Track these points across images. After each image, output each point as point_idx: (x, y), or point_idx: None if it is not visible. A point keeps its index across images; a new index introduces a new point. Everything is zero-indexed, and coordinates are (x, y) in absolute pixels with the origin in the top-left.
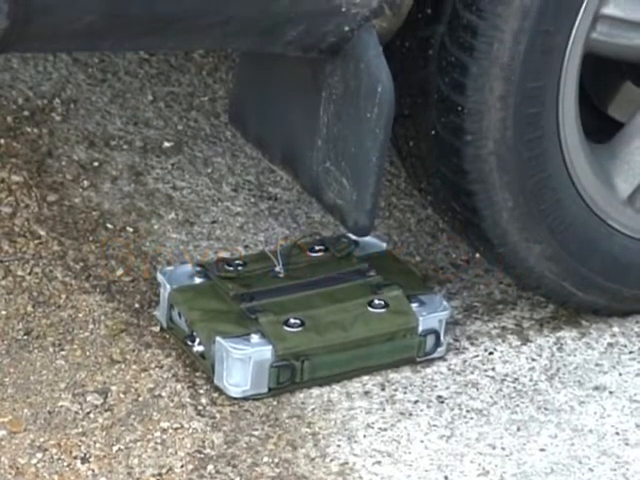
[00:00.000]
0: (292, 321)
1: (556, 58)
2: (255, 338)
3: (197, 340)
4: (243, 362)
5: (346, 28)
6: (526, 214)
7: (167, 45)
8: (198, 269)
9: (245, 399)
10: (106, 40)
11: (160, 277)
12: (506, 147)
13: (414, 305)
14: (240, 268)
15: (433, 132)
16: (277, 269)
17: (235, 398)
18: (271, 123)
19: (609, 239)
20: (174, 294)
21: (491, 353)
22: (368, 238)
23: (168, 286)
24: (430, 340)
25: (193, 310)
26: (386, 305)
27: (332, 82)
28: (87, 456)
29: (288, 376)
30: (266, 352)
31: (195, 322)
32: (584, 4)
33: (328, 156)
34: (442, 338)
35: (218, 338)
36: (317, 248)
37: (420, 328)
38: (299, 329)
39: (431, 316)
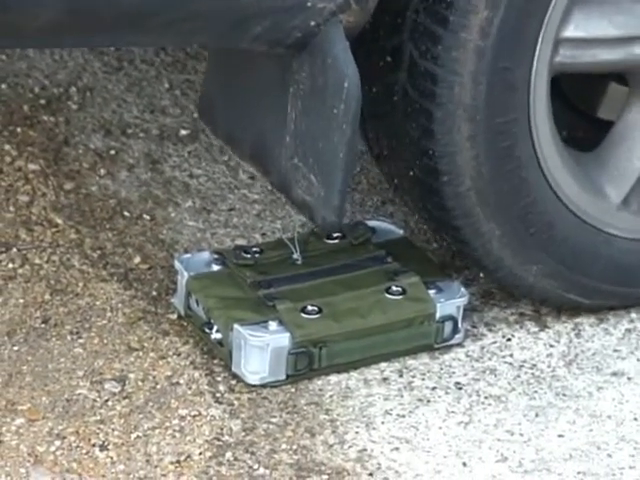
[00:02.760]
0: (310, 308)
1: (521, 91)
2: (273, 325)
3: (215, 327)
4: (261, 349)
5: (312, 23)
6: (516, 240)
7: (133, 41)
8: (215, 257)
9: (263, 386)
10: (70, 36)
11: (177, 264)
12: (484, 182)
13: (431, 292)
14: (257, 255)
15: (411, 173)
16: (295, 256)
17: (253, 385)
18: (240, 119)
19: (608, 246)
20: (191, 281)
21: (509, 339)
22: (385, 225)
23: (185, 273)
24: (448, 327)
25: (210, 297)
26: (403, 292)
27: (299, 78)
28: (105, 443)
29: (306, 363)
30: (284, 339)
31: (212, 309)
32: (541, 34)
33: (296, 152)
34: (460, 325)
35: (236, 325)
36: (334, 235)
37: (438, 315)
38: (317, 316)
39: (449, 302)
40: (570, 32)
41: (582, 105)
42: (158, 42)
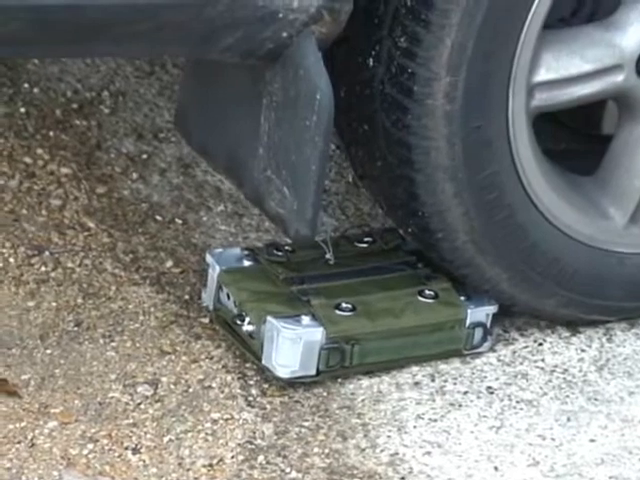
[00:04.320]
0: (344, 305)
1: (499, 144)
2: (306, 319)
3: (247, 320)
4: (293, 342)
5: (284, 34)
6: (526, 280)
7: (102, 52)
8: (247, 253)
9: (295, 390)
10: (37, 47)
11: (209, 258)
12: (479, 234)
13: (462, 298)
14: (289, 253)
15: (409, 230)
16: (327, 256)
17: (284, 387)
18: (214, 131)
19: (621, 265)
20: (223, 275)
21: (540, 344)
22: None
23: (217, 267)
24: (478, 333)
25: (243, 291)
26: (436, 296)
27: (272, 89)
28: (138, 447)
29: (338, 359)
30: (317, 333)
31: (245, 302)
32: (511, 87)
33: (269, 164)
34: (489, 333)
35: (269, 317)
36: (365, 239)
37: (468, 321)
38: (350, 313)
39: (479, 309)
40: (542, 76)
41: (582, 124)
42: (130, 53)
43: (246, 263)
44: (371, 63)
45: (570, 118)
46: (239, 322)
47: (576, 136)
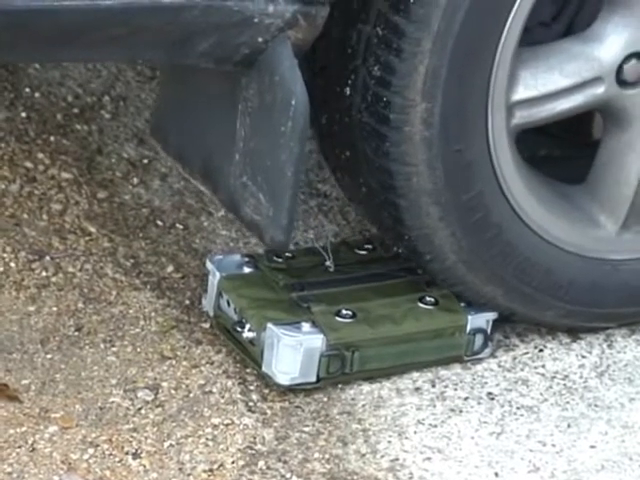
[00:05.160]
0: (344, 312)
1: (482, 165)
2: (306, 326)
3: (247, 326)
4: (294, 349)
5: (260, 39)
6: (522, 295)
7: (77, 56)
8: (247, 259)
9: (296, 395)
10: (9, 51)
11: (209, 265)
12: (468, 254)
13: (462, 304)
14: (289, 260)
15: (400, 250)
16: (327, 263)
17: (284, 392)
18: (190, 137)
19: (617, 272)
20: (223, 281)
21: (541, 350)
22: None
23: (217, 273)
24: (478, 339)
25: (243, 297)
26: (436, 302)
27: (248, 95)
28: (138, 452)
29: (338, 366)
30: (317, 340)
31: (245, 309)
32: (489, 109)
33: (245, 171)
34: (489, 338)
35: (269, 324)
36: (365, 246)
37: (468, 327)
38: (351, 320)
39: (479, 316)
40: (520, 94)
41: (572, 130)
42: (105, 57)
43: (246, 270)
44: (348, 92)
45: (559, 124)
46: (239, 329)
47: (565, 142)
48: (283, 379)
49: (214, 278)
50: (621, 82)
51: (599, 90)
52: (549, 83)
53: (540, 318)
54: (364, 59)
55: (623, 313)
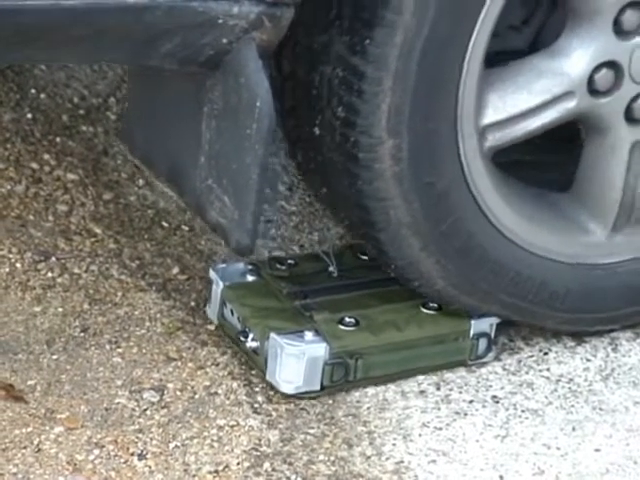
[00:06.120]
0: (347, 320)
1: (458, 193)
2: (309, 335)
3: (250, 336)
4: (297, 358)
5: (224, 41)
6: (520, 309)
7: (40, 57)
8: (250, 267)
9: (298, 397)
10: None
11: (213, 274)
12: (457, 278)
13: None
14: (292, 267)
15: (393, 275)
16: (330, 269)
17: (289, 396)
18: (157, 140)
19: (613, 274)
20: (227, 291)
21: (546, 353)
22: None
23: (221, 283)
24: (482, 344)
25: (246, 307)
26: (439, 308)
27: (213, 97)
28: (144, 453)
29: (342, 374)
30: (320, 349)
31: (249, 318)
32: (459, 137)
33: (210, 173)
34: (492, 342)
35: (272, 334)
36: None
37: (472, 332)
38: (354, 328)
39: (482, 320)
40: (490, 118)
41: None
42: (69, 58)
43: (249, 278)
44: (317, 132)
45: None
46: (243, 338)
47: (551, 147)
48: (287, 388)
49: (217, 287)
50: (593, 92)
51: (571, 104)
52: (518, 103)
53: (542, 325)
54: (328, 100)
55: (624, 314)
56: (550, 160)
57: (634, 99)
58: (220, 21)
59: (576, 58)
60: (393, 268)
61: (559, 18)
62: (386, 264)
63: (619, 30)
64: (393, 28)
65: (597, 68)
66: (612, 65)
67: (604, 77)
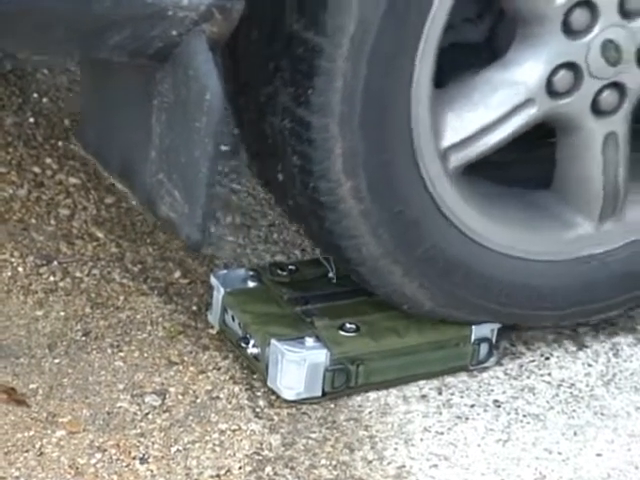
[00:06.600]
0: (348, 326)
1: (429, 218)
2: (310, 341)
3: (251, 342)
4: (298, 364)
5: (174, 33)
6: (514, 317)
7: None
8: (251, 273)
9: (302, 402)
10: None
11: (214, 280)
12: (444, 298)
13: None
14: (293, 273)
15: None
16: (330, 275)
17: (289, 401)
18: (108, 134)
19: (605, 264)
20: (228, 297)
21: (547, 358)
22: None
23: (222, 289)
24: (483, 349)
25: (247, 313)
26: None
27: (163, 90)
28: (146, 457)
29: (343, 380)
30: (321, 355)
31: (249, 325)
32: (421, 165)
33: (161, 167)
34: (494, 347)
35: (273, 340)
36: None
37: (473, 337)
38: (354, 334)
39: (483, 325)
40: (449, 140)
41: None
42: (16, 50)
43: (250, 284)
44: (281, 177)
45: None
46: (244, 345)
47: (529, 145)
48: (288, 394)
49: (219, 294)
50: (555, 94)
51: (533, 110)
52: (477, 120)
53: (542, 325)
54: (283, 149)
55: (619, 301)
56: (529, 158)
57: (598, 93)
58: (170, 13)
59: (530, 66)
60: (379, 295)
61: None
62: (372, 293)
63: (569, 31)
64: (331, 75)
65: (554, 71)
66: (569, 66)
67: (563, 79)
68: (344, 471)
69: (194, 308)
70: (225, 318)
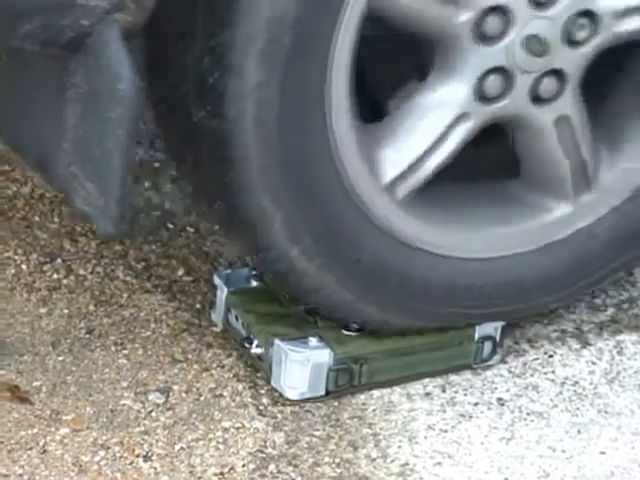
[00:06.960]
0: (351, 325)
1: (391, 256)
2: (313, 341)
3: (255, 342)
4: (301, 364)
5: (85, 22)
6: (517, 313)
7: None
8: (254, 272)
9: (306, 400)
10: None
11: (217, 280)
12: (433, 321)
13: None
14: None
15: None
16: None
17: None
18: (25, 125)
19: (593, 236)
20: (231, 297)
21: (551, 356)
22: None
23: (225, 289)
24: (487, 347)
25: (250, 313)
26: None
27: (76, 81)
28: (149, 454)
29: (346, 380)
30: (324, 355)
31: (253, 325)
32: (364, 209)
33: (74, 159)
34: (498, 345)
35: (276, 340)
36: None
37: (476, 335)
38: (357, 333)
39: (487, 323)
40: (391, 174)
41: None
42: None
43: (254, 283)
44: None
45: None
46: (247, 345)
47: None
48: (292, 394)
49: (222, 293)
50: (488, 100)
51: (469, 123)
52: (415, 147)
53: (537, 312)
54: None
55: (607, 273)
56: (495, 149)
57: (536, 84)
58: (80, 2)
59: (454, 83)
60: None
61: None
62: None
63: (485, 38)
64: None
65: (482, 79)
66: (496, 70)
67: (493, 84)
68: (347, 469)
69: (198, 306)
70: (228, 318)
